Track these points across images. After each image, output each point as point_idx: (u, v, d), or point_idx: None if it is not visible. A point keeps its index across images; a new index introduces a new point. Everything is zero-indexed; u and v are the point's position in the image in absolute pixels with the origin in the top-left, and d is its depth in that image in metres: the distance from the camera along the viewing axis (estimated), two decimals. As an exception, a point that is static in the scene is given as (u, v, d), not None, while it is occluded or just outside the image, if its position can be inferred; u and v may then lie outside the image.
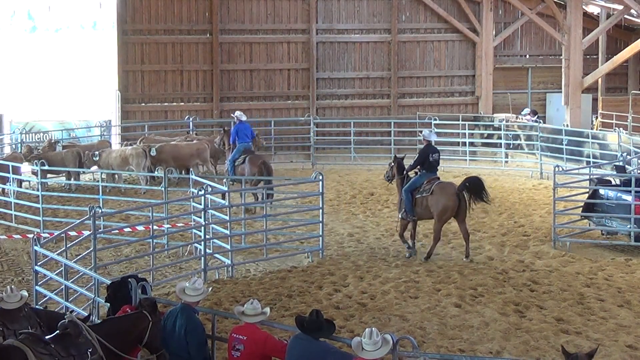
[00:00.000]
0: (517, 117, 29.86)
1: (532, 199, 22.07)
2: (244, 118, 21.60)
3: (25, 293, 9.30)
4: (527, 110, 30.51)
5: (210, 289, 12.31)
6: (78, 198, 21.07)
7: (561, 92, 28.61)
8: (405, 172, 16.82)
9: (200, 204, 15.31)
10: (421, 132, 17.06)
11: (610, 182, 18.52)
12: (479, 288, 14.14)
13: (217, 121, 29.18)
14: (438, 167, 16.94)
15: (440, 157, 17.22)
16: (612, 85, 33.29)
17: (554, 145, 26.48)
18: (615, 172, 19.58)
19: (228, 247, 15.65)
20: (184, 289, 9.15)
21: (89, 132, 28.62)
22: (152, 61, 29.64)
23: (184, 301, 9.13)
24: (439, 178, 16.77)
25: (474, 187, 16.19)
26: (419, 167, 16.66)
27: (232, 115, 22.78)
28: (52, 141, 24.62)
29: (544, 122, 29.75)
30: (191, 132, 27.47)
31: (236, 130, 21.21)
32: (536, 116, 29.81)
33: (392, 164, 17.17)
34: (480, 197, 16.17)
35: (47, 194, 19.75)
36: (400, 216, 16.65)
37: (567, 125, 27.13)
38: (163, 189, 18.00)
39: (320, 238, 16.56)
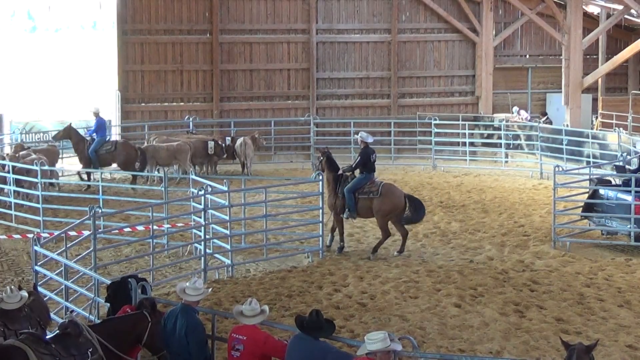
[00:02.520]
0: (516, 115, 29.87)
1: (532, 199, 22.08)
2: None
3: (25, 293, 9.29)
4: (516, 109, 30.46)
5: (210, 289, 12.32)
6: (78, 198, 21.05)
7: (561, 92, 28.61)
8: (342, 171, 17.15)
9: (200, 204, 15.32)
10: (357, 133, 17.53)
11: (610, 182, 18.53)
12: (479, 288, 14.15)
13: (217, 121, 29.18)
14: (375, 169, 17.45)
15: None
16: (612, 85, 33.28)
17: (554, 145, 26.48)
18: (615, 172, 19.58)
19: (228, 247, 15.66)
20: (184, 289, 9.15)
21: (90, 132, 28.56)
22: (152, 61, 29.62)
23: (184, 301, 9.13)
24: (377, 179, 17.27)
25: (416, 205, 16.92)
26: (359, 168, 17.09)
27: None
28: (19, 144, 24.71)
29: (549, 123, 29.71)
30: (191, 132, 27.49)
31: (97, 125, 24.07)
32: (545, 117, 29.63)
33: (322, 157, 17.46)
34: (416, 215, 16.90)
35: (47, 194, 19.74)
36: (344, 216, 16.97)
37: (567, 125, 27.13)
38: (163, 189, 18.00)
39: (320, 238, 16.58)
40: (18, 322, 8.95)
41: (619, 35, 32.91)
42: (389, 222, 16.88)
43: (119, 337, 8.68)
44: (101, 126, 24.31)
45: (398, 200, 16.80)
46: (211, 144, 25.07)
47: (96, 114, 24.46)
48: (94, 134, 24.20)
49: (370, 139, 17.37)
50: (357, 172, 17.15)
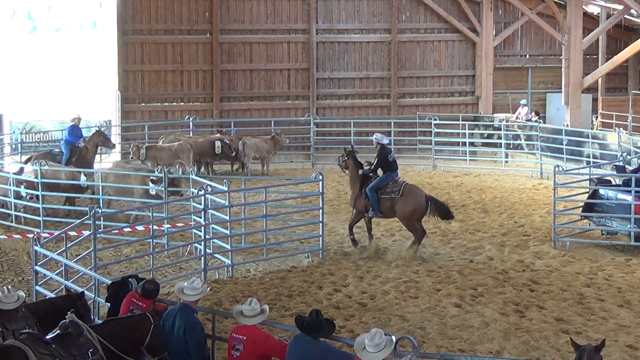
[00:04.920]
0: (517, 113, 29.88)
1: (532, 199, 22.07)
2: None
3: (22, 293, 9.29)
4: (524, 101, 30.44)
5: (209, 288, 12.31)
6: (78, 198, 21.03)
7: (561, 92, 28.60)
8: (364, 172, 17.21)
9: (200, 204, 15.32)
10: (375, 136, 17.61)
11: (610, 182, 18.53)
12: (479, 288, 14.14)
13: (217, 121, 29.19)
14: (397, 167, 17.49)
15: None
16: (612, 85, 33.29)
17: (554, 145, 26.48)
18: (615, 172, 19.58)
19: (228, 247, 15.66)
20: (183, 289, 9.15)
21: (89, 132, 28.55)
22: (152, 61, 29.64)
23: (182, 301, 9.13)
24: (399, 179, 17.26)
25: (439, 206, 16.89)
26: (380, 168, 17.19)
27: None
28: None
29: (544, 122, 29.74)
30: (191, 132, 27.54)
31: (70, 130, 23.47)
32: (538, 116, 29.71)
33: (347, 157, 17.57)
34: (442, 214, 16.86)
35: (47, 194, 19.74)
36: (369, 215, 17.01)
37: (567, 125, 27.13)
38: (163, 189, 18.00)
39: (320, 238, 16.57)
40: (15, 322, 8.93)
41: (619, 35, 32.91)
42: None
43: (120, 337, 8.68)
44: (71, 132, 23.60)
45: (419, 201, 16.71)
46: (218, 143, 25.08)
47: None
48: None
49: (385, 140, 17.48)
50: (379, 172, 17.19)
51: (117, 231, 16.82)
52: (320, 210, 16.62)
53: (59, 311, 9.04)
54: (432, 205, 16.78)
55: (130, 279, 9.99)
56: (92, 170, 21.17)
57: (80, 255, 14.11)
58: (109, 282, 10.45)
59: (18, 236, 17.87)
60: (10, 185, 19.43)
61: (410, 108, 31.49)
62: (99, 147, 23.91)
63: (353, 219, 17.26)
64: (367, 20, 31.23)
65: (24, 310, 9.16)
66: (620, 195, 17.16)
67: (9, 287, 9.31)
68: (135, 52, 29.53)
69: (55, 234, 15.03)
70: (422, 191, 17.23)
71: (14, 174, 20.07)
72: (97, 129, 25.18)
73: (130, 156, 24.78)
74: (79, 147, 23.05)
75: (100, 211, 14.70)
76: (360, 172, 17.19)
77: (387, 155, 17.10)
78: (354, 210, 17.24)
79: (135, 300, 9.55)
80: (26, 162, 22.58)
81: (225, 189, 16.23)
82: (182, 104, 30.15)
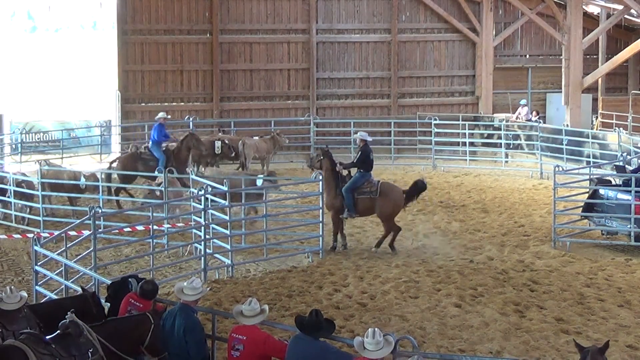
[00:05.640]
0: (517, 113, 29.90)
1: (532, 199, 22.07)
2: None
3: (24, 294, 9.27)
4: (524, 101, 30.46)
5: (208, 288, 12.31)
6: (78, 198, 21.03)
7: (561, 92, 28.60)
8: (343, 167, 17.32)
9: (200, 204, 15.32)
10: (359, 133, 17.76)
11: (610, 182, 18.53)
12: (479, 288, 14.14)
13: (217, 121, 29.18)
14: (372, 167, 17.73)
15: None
16: (612, 85, 33.29)
17: (554, 145, 26.48)
18: (615, 172, 19.58)
19: (228, 247, 15.65)
20: (182, 289, 9.16)
21: (89, 132, 28.63)
22: (152, 61, 29.64)
23: (182, 301, 9.13)
24: (373, 178, 17.42)
25: (416, 189, 17.26)
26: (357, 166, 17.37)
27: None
28: None
29: (544, 122, 29.74)
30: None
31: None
32: (538, 116, 29.74)
33: (321, 156, 17.62)
34: (419, 190, 17.29)
35: (47, 194, 19.74)
36: (344, 216, 17.11)
37: (567, 125, 27.13)
38: (163, 189, 18.00)
39: (320, 238, 16.57)
40: (17, 322, 8.90)
41: (619, 35, 32.91)
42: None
43: (120, 337, 8.67)
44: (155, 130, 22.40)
45: (398, 198, 17.04)
46: (218, 143, 25.06)
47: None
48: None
49: (369, 138, 17.62)
50: (353, 172, 17.28)
51: (117, 231, 16.82)
52: (320, 210, 16.62)
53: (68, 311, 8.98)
54: (409, 196, 17.11)
55: (130, 279, 9.99)
56: (93, 170, 21.12)
57: (80, 255, 14.11)
58: (109, 282, 10.44)
59: (18, 236, 17.86)
60: (10, 185, 19.41)
61: (410, 108, 31.49)
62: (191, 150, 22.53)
63: (334, 224, 17.25)
64: (367, 20, 31.23)
65: (26, 311, 9.14)
66: (620, 195, 17.16)
67: (12, 287, 9.30)
68: (135, 52, 29.53)
69: (55, 234, 15.03)
70: (398, 188, 17.56)
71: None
72: (190, 131, 24.14)
73: None
74: (169, 150, 21.88)
75: (100, 211, 14.69)
76: (338, 168, 17.26)
77: (369, 152, 17.26)
78: (331, 212, 17.25)
79: (132, 301, 9.54)
80: (112, 162, 21.91)
81: (225, 189, 16.24)
82: (182, 104, 30.15)
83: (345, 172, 17.27)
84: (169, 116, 23.80)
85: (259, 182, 18.30)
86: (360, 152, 17.29)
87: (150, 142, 22.15)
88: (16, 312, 9.00)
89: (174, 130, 27.89)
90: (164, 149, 21.87)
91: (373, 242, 17.59)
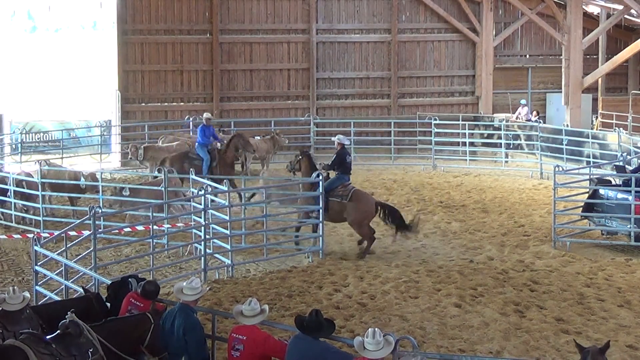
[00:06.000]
0: (517, 113, 29.92)
1: (532, 199, 22.08)
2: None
3: (27, 294, 9.26)
4: (524, 101, 30.50)
5: (208, 287, 12.31)
6: (78, 198, 21.03)
7: (561, 92, 28.61)
8: (322, 169, 17.40)
9: (200, 204, 15.32)
10: (336, 135, 18.02)
11: (610, 182, 18.53)
12: (479, 288, 14.14)
13: (217, 121, 29.16)
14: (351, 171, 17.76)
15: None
16: (612, 85, 33.30)
17: (554, 145, 26.49)
18: (615, 172, 19.58)
19: (228, 247, 15.65)
20: (182, 289, 9.15)
21: (89, 132, 28.63)
22: (152, 61, 29.64)
23: (182, 301, 9.13)
24: (350, 183, 17.43)
25: (392, 212, 16.98)
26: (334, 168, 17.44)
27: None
28: None
29: (544, 122, 29.75)
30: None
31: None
32: (538, 116, 29.75)
33: (300, 157, 17.81)
34: (397, 222, 16.87)
35: (47, 194, 19.75)
36: (314, 216, 17.09)
37: (567, 125, 27.14)
38: (163, 189, 17.99)
39: (320, 238, 16.57)
40: (19, 323, 8.88)
41: (619, 35, 32.92)
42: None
43: (120, 337, 8.67)
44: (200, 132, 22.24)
45: (369, 207, 16.90)
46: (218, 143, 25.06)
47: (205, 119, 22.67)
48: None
49: (346, 141, 17.90)
50: (332, 174, 17.45)
51: (117, 231, 16.82)
52: (320, 210, 16.62)
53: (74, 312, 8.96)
54: (384, 211, 16.88)
55: (130, 279, 9.99)
56: (94, 171, 21.11)
57: (80, 255, 14.11)
58: (109, 282, 10.44)
59: (18, 236, 17.86)
60: (10, 185, 19.40)
61: (410, 108, 31.50)
62: (239, 151, 22.38)
63: (301, 219, 17.38)
64: (367, 20, 31.24)
65: (28, 311, 9.12)
66: (620, 195, 17.16)
67: (15, 287, 9.28)
68: (135, 52, 29.53)
69: (55, 234, 15.03)
70: (371, 197, 17.55)
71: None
72: (236, 131, 23.78)
73: (129, 157, 24.75)
74: (215, 150, 21.63)
75: (100, 211, 14.69)
76: (318, 168, 17.34)
77: (346, 155, 17.35)
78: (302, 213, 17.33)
79: (133, 301, 9.54)
80: (161, 163, 21.48)
81: (225, 189, 16.23)
82: (182, 104, 30.15)
83: (324, 174, 17.26)
84: (211, 116, 23.39)
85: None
86: (335, 155, 17.41)
87: (197, 144, 21.99)
88: (18, 313, 8.98)
89: (174, 130, 28.02)
90: (210, 149, 21.66)
91: (373, 243, 17.60)
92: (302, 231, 17.53)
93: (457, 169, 27.10)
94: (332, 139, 18.00)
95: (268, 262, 16.25)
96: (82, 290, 10.24)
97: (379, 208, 16.93)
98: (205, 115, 23.01)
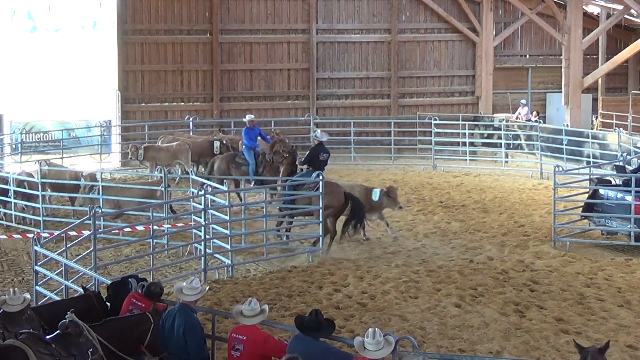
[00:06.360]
0: (517, 113, 29.93)
1: (532, 199, 22.07)
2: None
3: (28, 295, 9.25)
4: (523, 101, 30.51)
5: (207, 287, 12.30)
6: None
7: (561, 92, 28.61)
8: (299, 163, 17.94)
9: (200, 204, 15.32)
10: (315, 133, 18.12)
11: (610, 182, 18.53)
12: (479, 288, 14.14)
13: (217, 121, 29.19)
14: (325, 168, 18.06)
15: (330, 157, 18.60)
16: (612, 85, 33.29)
17: (554, 145, 26.49)
18: (615, 172, 19.58)
19: (228, 247, 15.65)
20: (182, 289, 9.15)
21: (89, 132, 28.63)
22: (152, 61, 29.64)
23: (182, 301, 9.13)
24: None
25: (356, 205, 16.79)
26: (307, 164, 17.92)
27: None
28: None
29: (544, 122, 29.75)
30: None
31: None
32: (537, 116, 29.75)
33: (288, 154, 18.40)
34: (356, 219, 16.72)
35: (47, 194, 19.75)
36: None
37: (567, 125, 27.14)
38: (163, 189, 17.99)
39: (321, 238, 16.57)
40: (19, 324, 8.88)
41: (619, 35, 32.91)
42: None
43: (120, 337, 8.67)
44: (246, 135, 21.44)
45: (338, 196, 16.86)
46: (217, 143, 25.08)
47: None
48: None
49: (324, 138, 18.11)
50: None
51: (117, 231, 16.82)
52: (320, 210, 16.61)
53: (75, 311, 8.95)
54: (352, 203, 16.76)
55: (130, 279, 9.99)
56: (94, 171, 21.09)
57: (80, 255, 14.11)
58: (109, 282, 10.44)
59: (18, 236, 17.86)
60: (11, 185, 19.40)
61: (410, 108, 31.49)
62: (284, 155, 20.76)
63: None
64: (367, 20, 31.23)
65: (29, 312, 9.12)
66: (620, 195, 17.15)
67: (16, 288, 9.28)
68: (135, 52, 29.53)
69: (55, 234, 15.03)
70: (341, 187, 17.43)
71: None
72: (277, 136, 21.81)
73: (129, 157, 24.74)
74: (261, 155, 20.65)
75: (100, 211, 14.69)
76: (297, 162, 17.61)
77: (320, 152, 17.62)
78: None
79: (134, 301, 9.54)
80: (212, 165, 21.32)
81: (225, 189, 16.22)
82: (182, 104, 30.15)
83: (300, 169, 17.63)
84: (254, 118, 22.23)
85: (375, 196, 17.63)
86: (309, 151, 17.73)
87: (243, 147, 21.38)
88: (19, 314, 8.98)
89: (174, 130, 28.03)
90: (256, 153, 20.85)
91: (373, 242, 17.61)
92: (302, 231, 17.53)
93: (457, 169, 27.10)
94: (311, 134, 18.20)
95: (268, 262, 16.25)
96: (82, 289, 10.23)
97: (348, 199, 16.85)
98: (248, 117, 21.94)
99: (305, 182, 17.20)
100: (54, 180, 19.73)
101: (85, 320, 8.59)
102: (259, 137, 21.32)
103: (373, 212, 17.54)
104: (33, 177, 19.69)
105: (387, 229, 17.71)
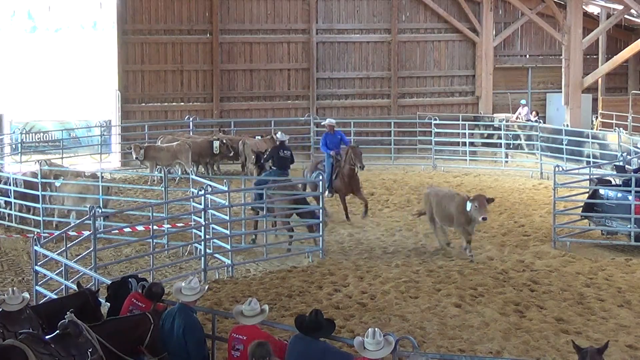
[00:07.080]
0: (517, 113, 29.95)
1: (532, 199, 22.07)
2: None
3: (27, 295, 9.26)
4: (524, 101, 30.53)
5: (207, 287, 12.30)
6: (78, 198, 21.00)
7: (561, 92, 28.60)
8: (260, 162, 19.29)
9: (200, 204, 15.32)
10: (276, 134, 19.11)
11: (610, 182, 18.52)
12: (479, 288, 14.14)
13: (217, 121, 29.19)
14: (290, 165, 18.94)
15: (293, 155, 19.12)
16: (612, 85, 33.29)
17: (554, 145, 26.48)
18: (615, 172, 19.58)
19: (228, 247, 15.65)
20: (181, 289, 9.15)
21: (89, 132, 28.63)
22: (152, 61, 29.63)
23: (181, 301, 9.13)
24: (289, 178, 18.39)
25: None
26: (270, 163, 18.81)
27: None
28: None
29: (544, 122, 29.75)
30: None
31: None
32: (537, 116, 29.77)
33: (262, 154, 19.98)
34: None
35: (47, 194, 19.73)
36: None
37: (567, 125, 27.14)
38: (163, 189, 18.00)
39: (320, 238, 16.57)
40: (19, 324, 8.89)
41: (619, 35, 32.90)
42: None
43: (119, 337, 8.67)
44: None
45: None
46: (216, 143, 25.10)
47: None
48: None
49: (284, 138, 19.03)
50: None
51: (117, 231, 16.81)
52: (320, 210, 16.61)
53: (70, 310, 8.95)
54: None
55: (130, 279, 9.99)
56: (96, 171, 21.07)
57: (80, 255, 14.11)
58: (109, 282, 10.44)
59: (18, 236, 17.86)
60: (10, 185, 19.39)
61: (410, 108, 31.49)
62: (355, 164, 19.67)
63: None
64: (367, 20, 31.23)
65: (28, 312, 9.13)
66: (620, 195, 17.15)
67: (15, 288, 9.28)
68: (135, 52, 29.53)
69: (55, 234, 15.03)
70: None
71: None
72: (352, 145, 20.42)
73: (134, 157, 24.65)
74: (336, 162, 19.70)
75: (100, 211, 14.69)
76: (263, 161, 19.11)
77: (279, 150, 18.53)
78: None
79: (135, 301, 9.54)
80: (315, 167, 20.46)
81: (225, 189, 16.23)
82: (182, 104, 30.14)
83: (268, 166, 18.82)
84: (334, 123, 20.90)
85: (468, 207, 16.33)
86: (269, 151, 19.09)
87: (325, 154, 20.32)
88: (18, 313, 8.99)
89: (174, 130, 28.04)
90: (333, 161, 19.76)
91: (373, 242, 17.61)
92: (302, 231, 17.52)
93: (457, 169, 27.10)
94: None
95: (268, 262, 16.25)
96: (77, 287, 10.21)
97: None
98: (328, 121, 20.98)
99: (305, 182, 17.28)
100: (53, 180, 19.69)
101: (82, 316, 8.61)
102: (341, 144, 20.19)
103: (470, 223, 16.19)
104: (35, 177, 19.70)
105: (466, 246, 16.24)
